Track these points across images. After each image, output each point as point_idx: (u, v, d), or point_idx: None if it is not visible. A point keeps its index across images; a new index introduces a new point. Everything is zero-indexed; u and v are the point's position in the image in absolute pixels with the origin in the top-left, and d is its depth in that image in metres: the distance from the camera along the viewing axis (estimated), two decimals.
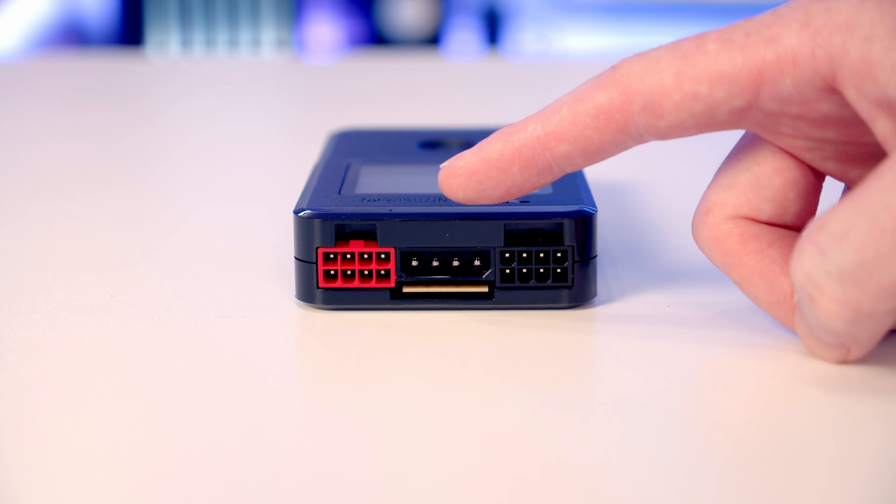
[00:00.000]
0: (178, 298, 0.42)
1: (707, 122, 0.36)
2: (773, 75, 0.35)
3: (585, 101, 0.37)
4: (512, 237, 0.40)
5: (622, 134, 0.36)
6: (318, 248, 0.40)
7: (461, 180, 0.38)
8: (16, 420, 0.34)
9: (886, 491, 0.30)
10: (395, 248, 0.40)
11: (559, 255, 0.40)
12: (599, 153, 0.37)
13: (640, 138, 0.37)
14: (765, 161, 0.37)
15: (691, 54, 0.36)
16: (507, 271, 0.40)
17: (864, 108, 0.34)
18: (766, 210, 0.37)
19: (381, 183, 0.44)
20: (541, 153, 0.37)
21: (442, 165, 0.39)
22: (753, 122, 0.36)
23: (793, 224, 0.38)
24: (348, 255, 0.40)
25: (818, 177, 0.38)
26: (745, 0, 2.06)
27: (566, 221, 0.40)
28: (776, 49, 0.35)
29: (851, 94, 0.34)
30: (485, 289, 0.40)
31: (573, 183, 0.43)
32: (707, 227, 0.38)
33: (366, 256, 0.40)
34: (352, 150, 0.49)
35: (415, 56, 1.36)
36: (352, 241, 0.40)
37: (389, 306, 0.41)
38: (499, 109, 0.80)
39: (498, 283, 0.40)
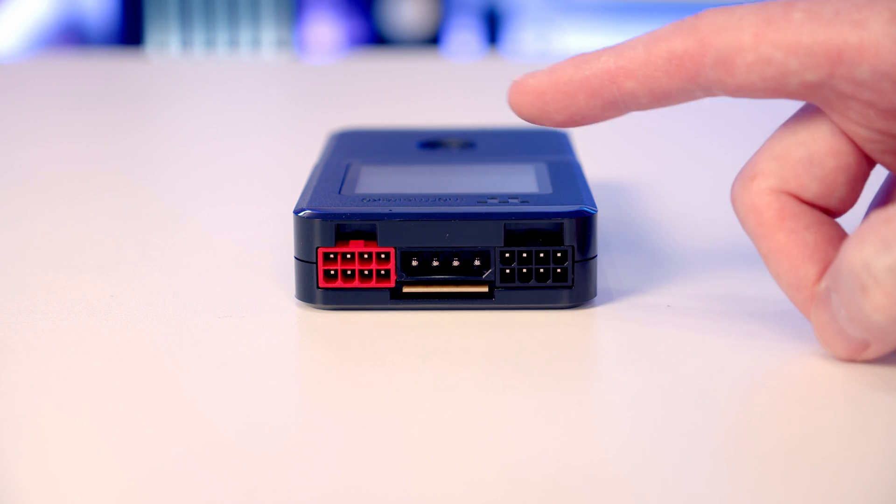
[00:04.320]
0: (178, 298, 0.42)
1: (776, 89, 0.36)
2: (850, 58, 0.34)
3: (661, 42, 0.36)
4: (512, 237, 0.40)
5: (691, 82, 0.36)
6: (318, 248, 0.40)
7: (529, 97, 0.39)
8: (16, 420, 0.34)
9: (890, 491, 0.30)
10: (395, 248, 0.40)
11: (559, 255, 0.40)
12: (666, 98, 0.37)
13: (708, 90, 0.36)
14: (822, 139, 0.37)
15: (776, 19, 0.35)
16: (508, 271, 0.40)
17: None
18: (812, 189, 0.37)
19: (381, 183, 0.44)
20: (609, 86, 0.37)
21: (513, 80, 0.39)
22: (823, 99, 0.36)
23: (834, 208, 0.37)
24: (348, 255, 0.40)
25: (869, 164, 0.37)
26: (745, 0, 2.06)
27: (566, 221, 0.40)
28: (860, 34, 0.34)
29: None
30: (485, 289, 0.40)
31: (573, 183, 0.43)
32: (749, 193, 0.37)
33: (366, 256, 0.40)
34: (352, 150, 0.49)
35: (415, 56, 1.36)
36: (352, 241, 0.40)
37: (389, 306, 0.41)
38: (499, 109, 0.79)
39: (498, 283, 0.40)
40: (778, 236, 0.37)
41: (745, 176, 0.37)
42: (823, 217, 0.37)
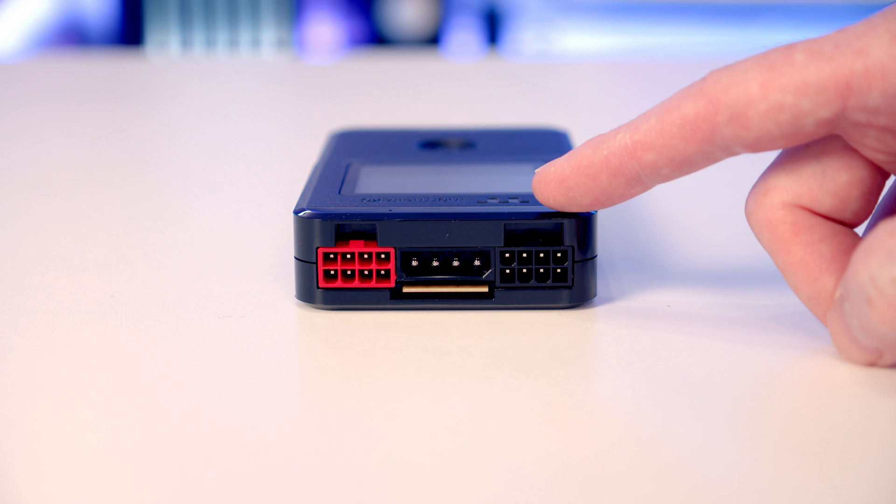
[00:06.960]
0: (178, 298, 0.42)
1: (794, 134, 0.36)
2: (860, 87, 0.34)
3: (673, 110, 0.37)
4: (512, 237, 0.40)
5: (709, 144, 0.36)
6: (318, 248, 0.40)
7: (552, 186, 0.39)
8: (16, 420, 0.34)
9: (888, 491, 0.30)
10: (395, 248, 0.40)
11: (559, 255, 0.40)
12: (687, 164, 0.37)
13: (728, 150, 0.36)
14: (835, 154, 0.37)
15: (778, 65, 0.35)
16: (507, 271, 0.40)
17: None
18: (826, 203, 0.37)
19: (381, 183, 0.44)
20: (628, 162, 0.37)
21: (536, 171, 0.39)
22: (841, 133, 0.36)
23: (849, 221, 0.37)
24: (348, 255, 0.40)
25: (883, 177, 0.37)
26: (746, 0, 2.06)
27: (566, 221, 0.40)
28: (864, 61, 0.34)
29: None
30: (485, 289, 0.40)
31: None
32: (763, 208, 0.37)
33: (366, 256, 0.40)
34: (352, 150, 0.49)
35: (415, 56, 1.36)
36: (352, 241, 0.40)
37: (389, 306, 0.41)
38: (499, 109, 0.80)
39: (498, 283, 0.40)
40: (794, 250, 0.37)
41: (758, 191, 0.38)
42: (839, 228, 0.37)
